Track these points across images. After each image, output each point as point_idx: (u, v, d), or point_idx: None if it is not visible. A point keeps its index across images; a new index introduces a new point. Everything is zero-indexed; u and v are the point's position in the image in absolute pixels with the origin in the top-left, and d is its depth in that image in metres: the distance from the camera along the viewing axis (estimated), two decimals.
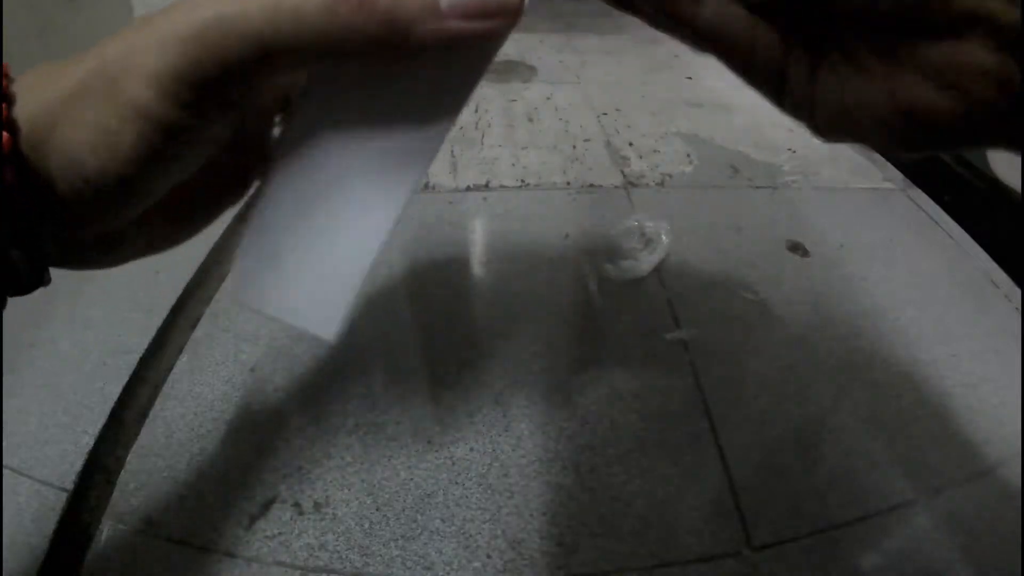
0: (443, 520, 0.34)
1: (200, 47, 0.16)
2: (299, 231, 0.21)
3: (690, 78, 1.09)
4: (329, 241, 0.21)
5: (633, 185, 0.71)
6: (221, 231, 0.56)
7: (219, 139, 0.19)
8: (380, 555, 0.33)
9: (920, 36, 0.17)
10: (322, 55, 0.17)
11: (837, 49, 0.19)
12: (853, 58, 0.19)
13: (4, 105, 0.17)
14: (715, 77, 1.10)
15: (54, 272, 0.19)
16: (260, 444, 0.38)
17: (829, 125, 0.20)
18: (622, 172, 0.74)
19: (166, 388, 0.42)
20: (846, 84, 0.19)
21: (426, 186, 0.71)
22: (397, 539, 0.33)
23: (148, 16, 0.18)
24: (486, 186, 0.70)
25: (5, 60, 0.20)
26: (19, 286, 0.18)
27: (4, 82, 0.17)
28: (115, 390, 0.41)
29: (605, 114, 0.92)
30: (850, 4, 0.18)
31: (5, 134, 0.16)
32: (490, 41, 0.18)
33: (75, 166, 0.17)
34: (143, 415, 0.40)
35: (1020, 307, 0.49)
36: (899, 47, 0.18)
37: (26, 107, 0.17)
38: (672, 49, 1.28)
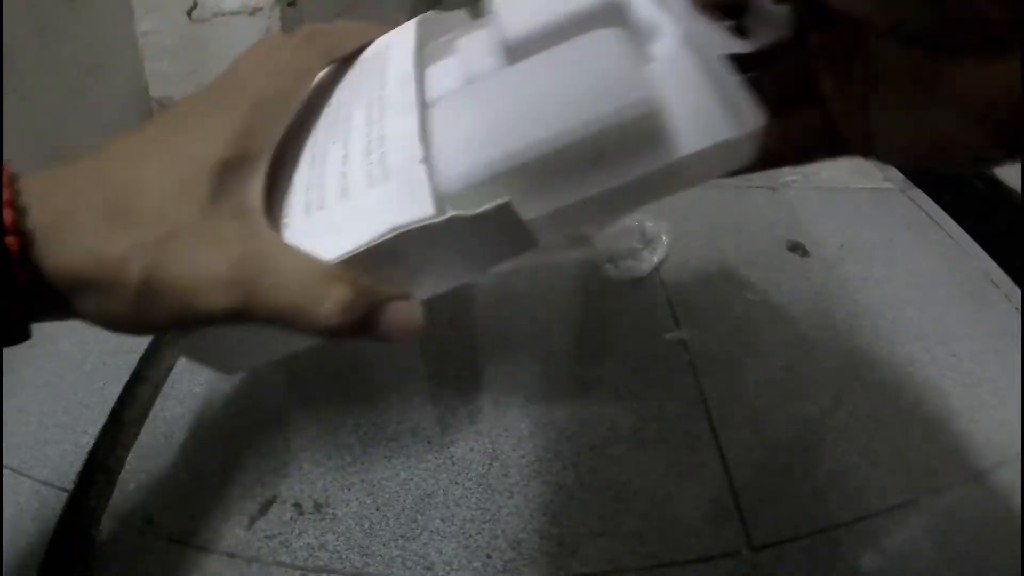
0: (443, 520, 0.34)
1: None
2: None
3: None
4: None
5: None
6: None
7: None
8: (380, 555, 0.33)
9: (957, 59, 0.17)
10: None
11: (884, 82, 0.20)
12: (900, 89, 0.19)
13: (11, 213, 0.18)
14: None
15: None
16: (260, 444, 0.38)
17: (889, 156, 0.20)
18: None
19: (166, 388, 0.42)
20: (890, 115, 0.20)
21: None
22: (397, 539, 0.33)
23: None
24: None
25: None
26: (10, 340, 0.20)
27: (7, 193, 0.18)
28: (115, 390, 0.41)
29: None
30: (889, 26, 0.18)
31: (12, 238, 0.18)
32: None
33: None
34: (143, 415, 0.40)
35: (1020, 307, 0.49)
36: (934, 75, 0.18)
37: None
38: None
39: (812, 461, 0.37)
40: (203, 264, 0.19)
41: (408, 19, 0.29)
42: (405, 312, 0.22)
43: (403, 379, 0.43)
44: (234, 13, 0.74)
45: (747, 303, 0.48)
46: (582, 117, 0.21)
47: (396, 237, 0.20)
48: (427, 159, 0.21)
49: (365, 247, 0.20)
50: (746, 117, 0.21)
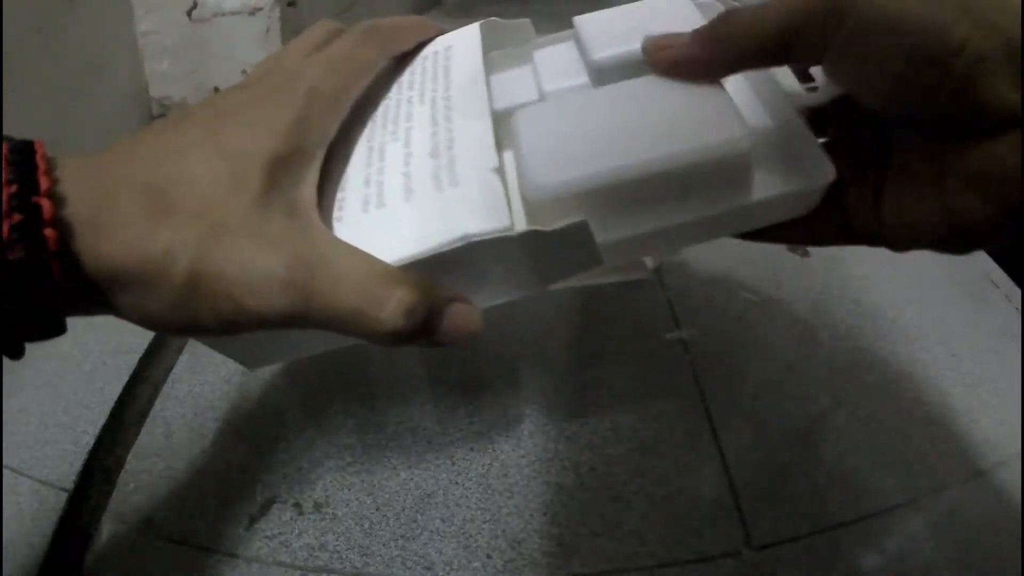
0: (443, 520, 0.34)
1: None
2: None
3: None
4: None
5: None
6: None
7: None
8: (380, 555, 0.33)
9: (961, 141, 0.18)
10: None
11: (893, 168, 0.21)
12: (909, 175, 0.20)
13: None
14: None
15: None
16: (260, 444, 0.38)
17: (902, 242, 0.21)
18: None
19: (166, 388, 0.42)
20: (906, 201, 0.20)
21: None
22: (397, 539, 0.33)
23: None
24: None
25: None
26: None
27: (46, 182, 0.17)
28: (115, 390, 0.41)
29: None
30: (893, 111, 0.19)
31: (51, 231, 0.17)
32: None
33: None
34: (143, 415, 0.40)
35: (1020, 307, 0.49)
36: (944, 156, 0.19)
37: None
38: None
39: (812, 461, 0.37)
40: (256, 263, 0.18)
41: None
42: (466, 315, 0.21)
43: (404, 379, 0.43)
44: (234, 13, 0.74)
45: (747, 303, 0.48)
46: (678, 147, 0.20)
47: (466, 246, 0.20)
48: (501, 168, 0.21)
49: (432, 252, 0.20)
50: (820, 170, 0.21)
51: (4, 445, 0.36)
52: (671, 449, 0.38)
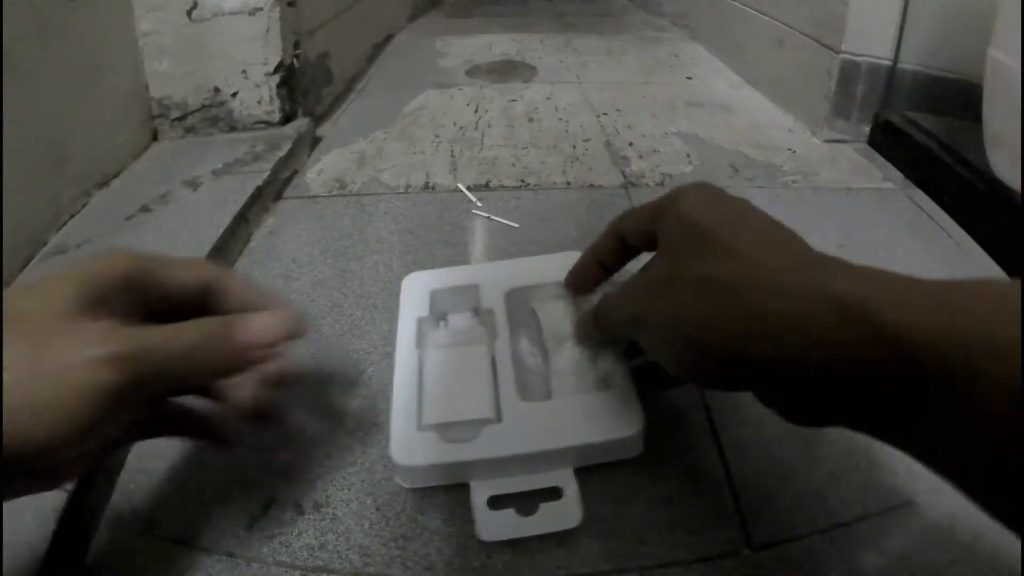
0: (443, 520, 0.34)
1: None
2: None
3: (690, 78, 1.09)
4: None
5: (633, 185, 0.71)
6: (220, 232, 0.56)
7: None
8: (380, 555, 0.33)
9: None
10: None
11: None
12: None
13: None
14: (715, 77, 1.10)
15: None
16: (260, 444, 0.38)
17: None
18: (622, 172, 0.74)
19: None
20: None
21: (426, 185, 0.71)
22: (397, 539, 0.33)
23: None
24: (486, 186, 0.70)
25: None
26: None
27: None
28: None
29: (605, 114, 0.92)
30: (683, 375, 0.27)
31: None
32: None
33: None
34: None
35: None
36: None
37: None
38: (672, 49, 1.28)
39: (812, 461, 0.37)
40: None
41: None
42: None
43: None
44: (234, 13, 0.74)
45: None
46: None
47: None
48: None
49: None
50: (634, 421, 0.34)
51: None
52: (671, 449, 0.38)
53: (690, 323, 0.24)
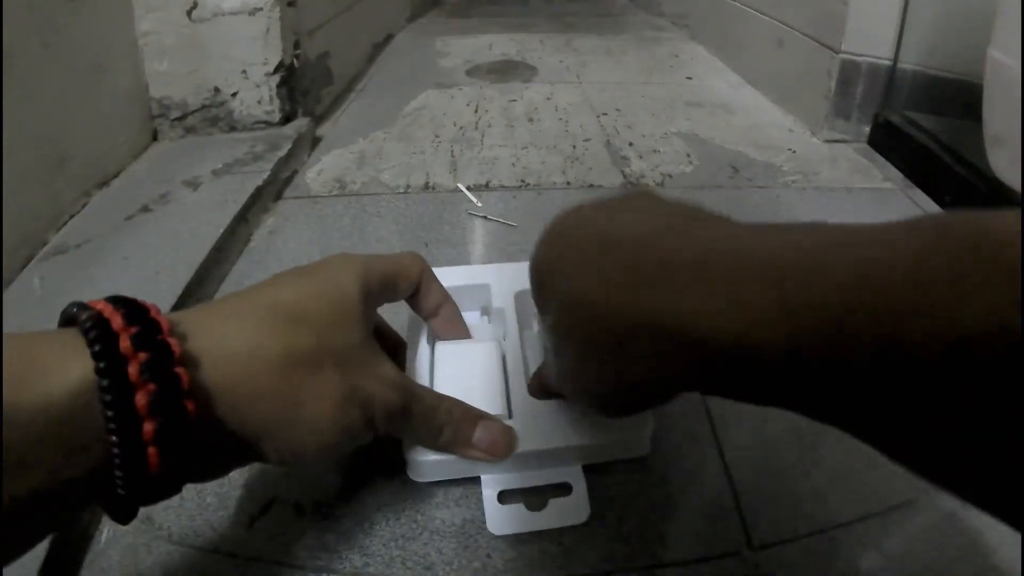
0: (443, 520, 0.34)
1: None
2: None
3: (690, 78, 1.09)
4: None
5: (633, 185, 0.71)
6: (220, 232, 0.56)
7: None
8: (380, 555, 0.33)
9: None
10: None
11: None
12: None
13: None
14: (715, 77, 1.10)
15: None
16: None
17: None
18: (622, 172, 0.74)
19: None
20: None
21: (426, 185, 0.71)
22: (397, 539, 0.33)
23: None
24: (486, 186, 0.70)
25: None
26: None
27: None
28: None
29: (605, 114, 0.92)
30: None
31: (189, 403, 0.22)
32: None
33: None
34: None
35: None
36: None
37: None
38: (672, 49, 1.28)
39: (812, 461, 0.37)
40: (386, 397, 0.28)
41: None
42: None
43: None
44: (234, 13, 0.74)
45: None
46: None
47: None
48: None
49: None
50: (642, 420, 0.35)
51: None
52: (671, 449, 0.38)
53: (583, 383, 0.25)
